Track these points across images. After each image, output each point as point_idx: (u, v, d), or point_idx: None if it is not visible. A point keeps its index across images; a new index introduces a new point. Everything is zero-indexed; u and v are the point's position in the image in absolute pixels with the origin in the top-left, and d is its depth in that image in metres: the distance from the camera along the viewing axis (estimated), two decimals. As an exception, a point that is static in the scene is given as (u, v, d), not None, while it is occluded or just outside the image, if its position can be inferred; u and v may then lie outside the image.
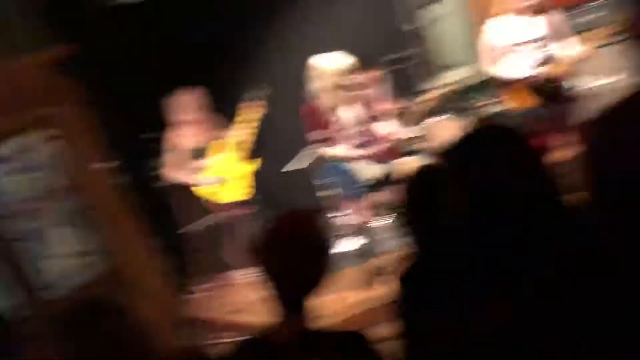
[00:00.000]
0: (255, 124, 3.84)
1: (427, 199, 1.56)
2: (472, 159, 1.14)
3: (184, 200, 4.09)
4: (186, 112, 3.72)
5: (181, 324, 3.64)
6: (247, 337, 1.30)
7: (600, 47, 3.44)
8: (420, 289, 1.53)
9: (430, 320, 1.24)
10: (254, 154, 4.02)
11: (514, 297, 1.06)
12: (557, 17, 3.18)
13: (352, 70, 3.08)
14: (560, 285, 1.01)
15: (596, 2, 4.00)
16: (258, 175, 4.55)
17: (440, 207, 1.51)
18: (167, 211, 4.25)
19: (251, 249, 1.28)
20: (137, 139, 4.50)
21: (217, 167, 3.83)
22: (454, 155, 1.19)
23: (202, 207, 3.91)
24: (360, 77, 4.12)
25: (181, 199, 4.09)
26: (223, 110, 4.11)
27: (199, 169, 3.84)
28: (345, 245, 4.20)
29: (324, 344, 1.24)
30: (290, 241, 1.24)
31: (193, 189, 3.82)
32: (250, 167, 3.90)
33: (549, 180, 1.13)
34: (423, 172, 1.66)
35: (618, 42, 3.76)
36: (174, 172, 3.79)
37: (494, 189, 1.08)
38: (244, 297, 3.90)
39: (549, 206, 1.09)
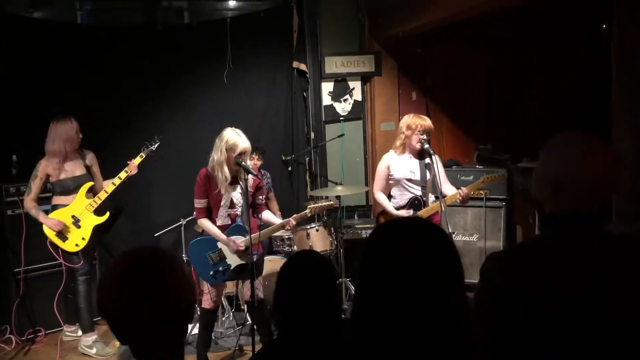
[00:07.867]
0: (121, 178, 3.69)
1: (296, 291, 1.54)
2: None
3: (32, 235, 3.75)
4: (64, 141, 3.55)
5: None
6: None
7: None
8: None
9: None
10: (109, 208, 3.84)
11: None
12: (439, 166, 3.47)
13: (249, 154, 3.08)
14: None
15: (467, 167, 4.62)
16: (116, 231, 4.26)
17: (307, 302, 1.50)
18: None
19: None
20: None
21: (69, 212, 3.60)
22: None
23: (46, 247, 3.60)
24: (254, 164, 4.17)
25: (30, 233, 3.74)
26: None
27: (55, 206, 3.60)
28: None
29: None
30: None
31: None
32: (97, 220, 3.69)
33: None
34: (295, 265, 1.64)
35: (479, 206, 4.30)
36: (32, 203, 3.54)
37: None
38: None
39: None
